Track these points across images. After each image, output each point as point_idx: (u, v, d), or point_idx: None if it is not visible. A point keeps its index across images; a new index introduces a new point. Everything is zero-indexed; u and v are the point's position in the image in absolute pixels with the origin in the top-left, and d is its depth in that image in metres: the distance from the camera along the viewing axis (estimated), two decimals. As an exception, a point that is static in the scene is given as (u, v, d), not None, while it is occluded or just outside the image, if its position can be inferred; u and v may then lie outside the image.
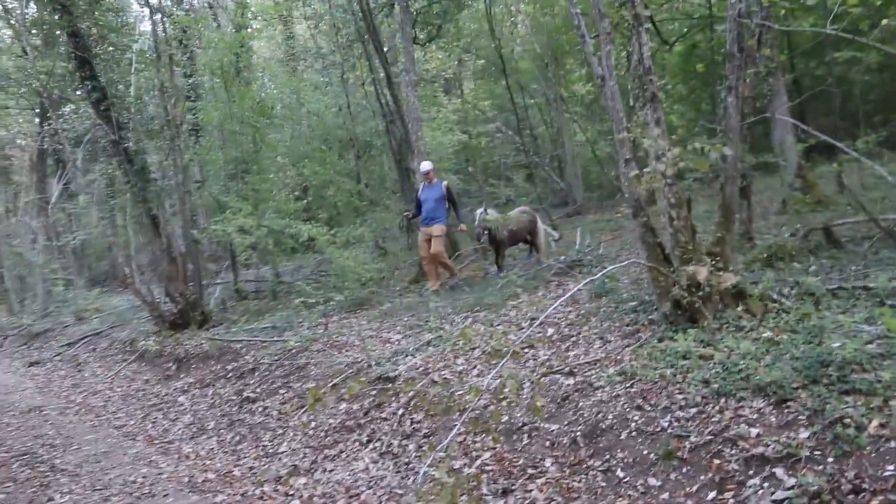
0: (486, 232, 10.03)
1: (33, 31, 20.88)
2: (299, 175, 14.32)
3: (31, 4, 21.21)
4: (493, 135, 23.91)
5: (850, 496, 3.44)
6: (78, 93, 13.62)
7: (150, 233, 11.08)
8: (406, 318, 8.73)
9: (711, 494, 3.86)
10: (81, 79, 11.29)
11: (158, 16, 12.15)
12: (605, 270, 4.97)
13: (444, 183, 10.32)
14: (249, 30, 14.90)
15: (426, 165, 10.36)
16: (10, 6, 22.59)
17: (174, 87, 10.85)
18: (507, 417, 5.31)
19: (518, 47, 20.95)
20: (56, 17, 11.00)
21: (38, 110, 20.58)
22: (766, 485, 3.72)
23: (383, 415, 6.14)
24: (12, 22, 22.82)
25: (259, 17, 17.92)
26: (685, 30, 17.62)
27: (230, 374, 8.45)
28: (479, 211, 10.35)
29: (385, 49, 14.35)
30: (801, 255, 7.23)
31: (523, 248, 11.57)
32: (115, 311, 13.84)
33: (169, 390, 8.90)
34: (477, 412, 5.56)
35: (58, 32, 16.48)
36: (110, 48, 11.60)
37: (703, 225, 8.31)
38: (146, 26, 14.65)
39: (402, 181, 15.06)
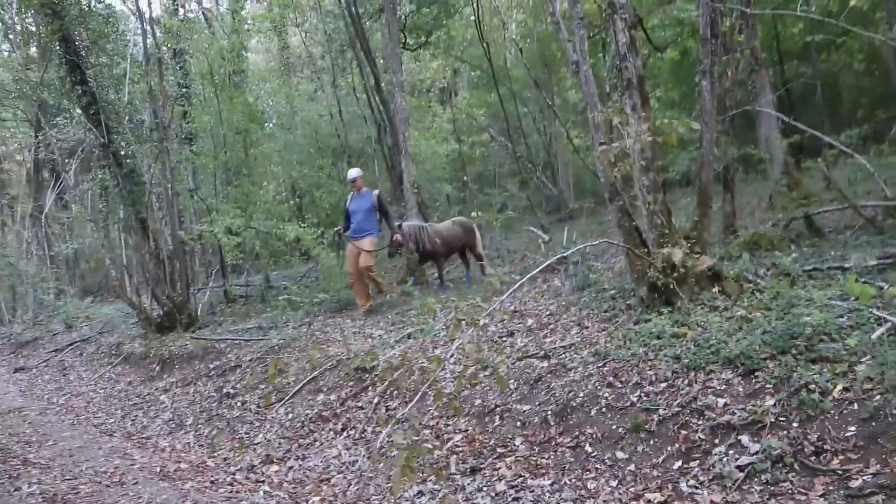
0: (399, 244, 9.50)
1: (30, 42, 21.11)
2: (289, 178, 14.31)
3: (29, 18, 21.48)
4: (487, 144, 23.96)
5: (813, 457, 3.40)
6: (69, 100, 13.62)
7: (138, 236, 11.03)
8: (390, 316, 8.68)
9: (677, 464, 3.82)
10: (72, 84, 11.32)
11: (147, 24, 12.26)
12: (576, 248, 4.90)
13: (375, 192, 9.46)
14: (241, 35, 14.92)
15: (353, 173, 9.53)
16: (7, 21, 22.89)
17: (163, 90, 10.87)
18: (479, 401, 5.26)
19: (510, 56, 21.01)
20: (47, 21, 11.01)
21: (33, 122, 20.68)
22: (731, 452, 3.68)
23: (359, 404, 6.09)
24: (10, 35, 23.09)
25: (254, 27, 18.01)
26: (677, 38, 17.76)
27: (212, 373, 8.40)
28: (403, 224, 10.01)
29: (376, 57, 14.42)
30: (782, 245, 7.18)
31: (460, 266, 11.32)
32: (105, 319, 13.80)
33: (151, 390, 8.84)
34: (450, 397, 5.53)
35: (50, 41, 16.70)
36: (102, 56, 11.58)
37: (685, 213, 8.34)
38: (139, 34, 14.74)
39: (393, 187, 15.08)
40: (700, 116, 6.10)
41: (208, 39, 13.87)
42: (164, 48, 12.57)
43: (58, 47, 11.59)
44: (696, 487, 3.59)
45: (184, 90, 14.78)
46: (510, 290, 4.26)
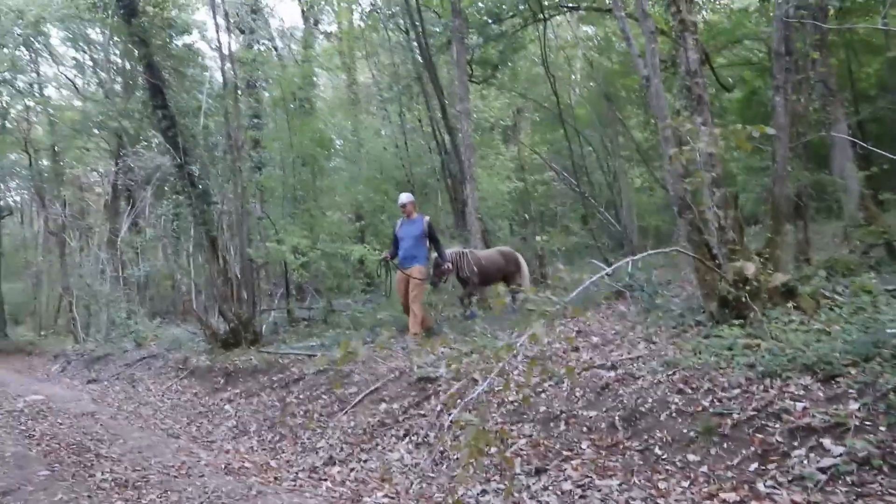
0: (446, 271, 9.20)
1: (116, 79, 22.36)
2: (354, 201, 14.59)
3: (113, 56, 22.80)
4: (549, 182, 23.97)
5: (902, 458, 3.24)
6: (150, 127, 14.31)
7: (208, 254, 11.39)
8: (452, 336, 8.67)
9: (753, 465, 3.69)
10: (154, 108, 11.90)
11: (226, 49, 12.84)
12: (640, 255, 4.84)
13: (426, 218, 9.04)
14: (311, 64, 15.46)
15: (404, 197, 9.12)
16: (98, 58, 24.30)
17: (237, 110, 11.33)
18: (544, 407, 5.19)
19: (575, 94, 21.13)
20: (137, 48, 11.66)
21: (112, 150, 21.78)
22: (811, 454, 3.54)
23: (422, 412, 6.07)
24: (100, 72, 24.49)
25: (323, 62, 18.62)
26: (743, 78, 17.61)
27: (275, 385, 8.50)
28: (449, 253, 9.57)
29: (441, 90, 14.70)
30: (860, 269, 6.95)
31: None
32: (172, 338, 14.18)
33: (216, 400, 9.00)
34: (514, 404, 5.48)
35: (135, 72, 17.65)
36: (182, 82, 12.19)
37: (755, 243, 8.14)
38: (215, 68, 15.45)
39: (456, 219, 15.22)
40: (774, 134, 6.00)
41: (279, 69, 14.38)
42: (239, 76, 13.09)
43: (143, 73, 12.25)
44: (775, 488, 3.46)
45: (255, 120, 15.36)
46: (578, 289, 4.22)
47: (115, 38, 18.83)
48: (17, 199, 36.55)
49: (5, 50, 24.70)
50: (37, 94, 26.35)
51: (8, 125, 27.81)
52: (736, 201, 5.84)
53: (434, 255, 9.18)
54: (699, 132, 5.02)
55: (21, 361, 19.34)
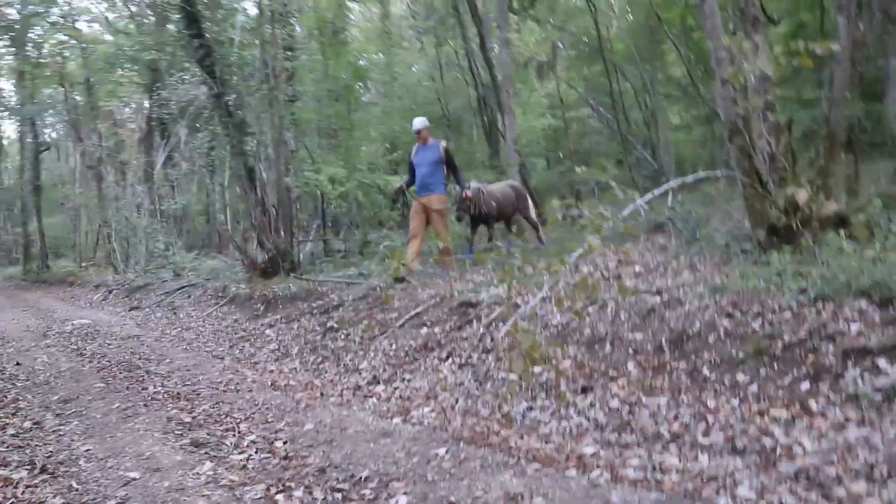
0: (469, 202, 9.01)
1: (148, 12, 22.25)
2: (389, 134, 14.52)
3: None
4: (584, 119, 23.60)
5: (963, 377, 3.20)
6: (185, 55, 14.25)
7: (245, 185, 11.45)
8: (490, 264, 8.68)
9: (805, 385, 3.67)
10: (189, 37, 11.81)
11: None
12: (685, 179, 4.76)
13: (442, 143, 8.52)
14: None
15: (418, 122, 8.53)
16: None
17: (274, 38, 11.22)
18: (588, 330, 5.21)
19: (613, 27, 20.56)
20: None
21: (146, 83, 21.82)
22: (866, 375, 3.51)
23: (464, 335, 6.12)
24: (131, 5, 24.38)
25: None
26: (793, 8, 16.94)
27: (315, 311, 8.63)
28: (468, 186, 9.14)
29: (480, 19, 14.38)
30: (915, 203, 6.76)
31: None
32: (210, 268, 14.44)
33: (256, 325, 9.18)
34: (558, 327, 5.51)
35: (167, 3, 17.54)
36: (217, 10, 12.06)
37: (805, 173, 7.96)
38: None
39: (492, 154, 15.10)
40: (834, 55, 5.79)
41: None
42: (274, 4, 12.92)
43: (178, 2, 12.13)
44: (828, 406, 3.45)
45: (288, 52, 15.22)
46: (629, 207, 4.18)
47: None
48: (54, 134, 37.08)
49: (38, -19, 24.71)
50: (70, 28, 26.42)
51: (42, 60, 28.01)
52: (789, 127, 5.68)
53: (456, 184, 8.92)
54: (757, 50, 4.86)
55: (63, 291, 19.89)
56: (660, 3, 17.05)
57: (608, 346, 4.90)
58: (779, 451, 3.21)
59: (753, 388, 3.84)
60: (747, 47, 4.85)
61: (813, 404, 3.50)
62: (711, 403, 3.84)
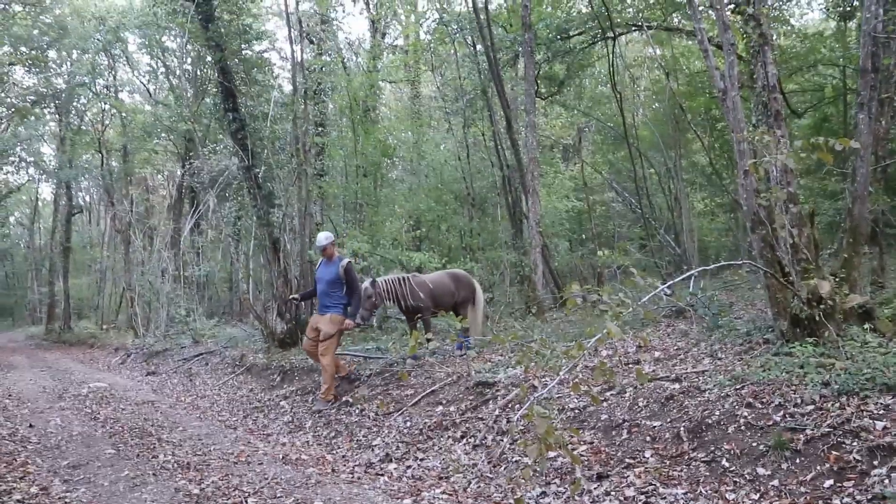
0: (393, 300, 8.43)
1: (187, 85, 23.15)
2: (416, 210, 14.72)
3: (186, 66, 23.64)
4: (608, 203, 23.78)
5: None
6: (219, 128, 14.72)
7: (269, 255, 11.62)
8: (509, 346, 8.63)
9: (828, 483, 3.57)
10: (225, 110, 12.25)
11: (297, 67, 13.18)
12: (707, 267, 4.75)
13: (345, 261, 7.97)
14: (377, 73, 15.73)
15: (322, 238, 8.08)
16: (171, 65, 25.25)
17: (306, 114, 11.58)
18: (606, 416, 5.13)
19: (639, 114, 20.95)
20: (211, 52, 12.04)
21: (180, 153, 22.52)
22: (893, 474, 3.41)
23: (480, 415, 6.05)
24: (171, 78, 25.40)
25: (389, 72, 18.89)
26: (817, 104, 17.19)
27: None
28: (365, 283, 8.39)
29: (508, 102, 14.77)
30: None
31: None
32: (229, 336, 14.48)
33: (272, 396, 9.13)
34: (575, 411, 5.42)
35: (206, 78, 18.26)
36: (253, 86, 12.53)
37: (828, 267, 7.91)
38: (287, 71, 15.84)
39: (515, 235, 15.20)
40: (856, 151, 5.85)
41: (345, 79, 14.66)
42: (307, 83, 13.40)
43: (216, 77, 12.64)
44: (852, 506, 3.34)
45: (319, 128, 15.68)
46: (649, 294, 4.17)
47: (189, 46, 19.52)
48: (87, 197, 38.12)
49: (86, 55, 25.92)
50: (112, 98, 27.52)
51: (83, 127, 29.13)
52: (812, 219, 5.69)
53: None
54: (779, 143, 4.92)
55: (83, 353, 20.00)
56: (684, 93, 17.40)
57: (625, 433, 4.81)
58: (801, 551, 3.09)
59: (775, 482, 3.74)
60: (769, 140, 4.91)
61: (837, 503, 3.39)
62: (731, 496, 3.73)
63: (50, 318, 29.41)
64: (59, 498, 4.73)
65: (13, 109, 25.22)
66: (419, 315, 8.59)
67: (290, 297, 8.89)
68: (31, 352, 21.48)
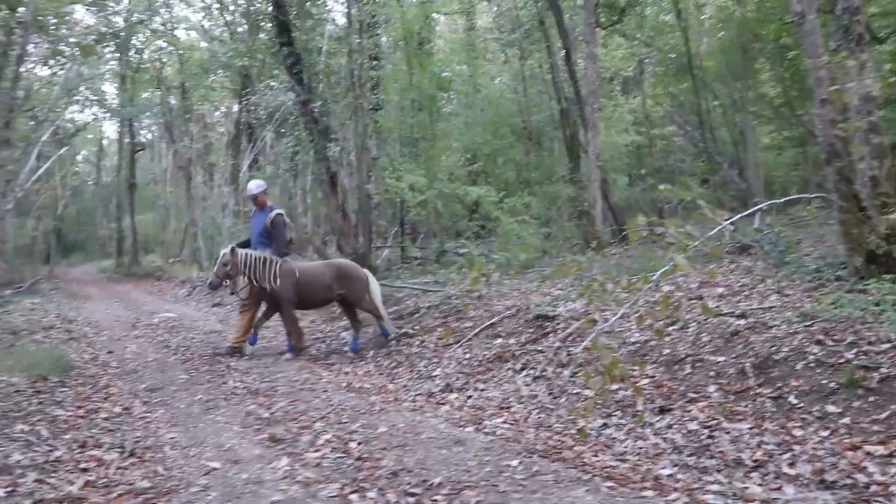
0: (228, 277, 7.46)
1: (241, 21, 23.11)
2: (472, 143, 14.60)
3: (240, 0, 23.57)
4: (669, 137, 23.10)
5: None
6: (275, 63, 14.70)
7: (327, 190, 11.70)
8: (568, 280, 8.59)
9: (903, 421, 3.48)
10: (280, 45, 12.19)
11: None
12: (776, 201, 4.58)
13: (274, 212, 7.61)
14: (432, 2, 15.39)
15: (252, 186, 7.85)
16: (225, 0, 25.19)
17: (362, 48, 11.47)
18: (668, 350, 5.09)
19: (704, 45, 20.10)
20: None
21: (237, 89, 22.65)
22: (974, 413, 3.30)
23: (539, 348, 6.07)
24: (227, 17, 25.39)
25: (442, 6, 18.46)
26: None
27: (391, 315, 8.70)
28: (223, 251, 7.57)
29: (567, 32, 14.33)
30: None
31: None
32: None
33: (333, 328, 9.35)
34: (637, 346, 5.40)
35: (260, 14, 18.20)
36: (307, 20, 12.42)
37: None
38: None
39: (573, 169, 14.97)
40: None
41: (399, 11, 14.38)
42: (362, 15, 13.22)
43: (270, 11, 12.56)
44: (928, 444, 3.26)
45: (374, 62, 15.54)
46: (716, 227, 4.06)
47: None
48: (150, 135, 38.91)
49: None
50: (170, 35, 27.72)
51: (143, 65, 29.54)
52: (894, 150, 5.42)
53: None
54: (862, 69, 4.66)
55: (151, 285, 20.75)
56: (754, 20, 16.57)
57: (688, 368, 4.78)
58: (874, 488, 3.05)
59: (846, 420, 3.67)
60: (853, 65, 4.64)
61: (913, 442, 3.32)
62: (798, 433, 3.69)
63: (119, 252, 30.48)
64: (141, 418, 5.00)
65: (77, 48, 25.60)
66: (276, 304, 7.69)
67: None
68: (103, 284, 22.40)
